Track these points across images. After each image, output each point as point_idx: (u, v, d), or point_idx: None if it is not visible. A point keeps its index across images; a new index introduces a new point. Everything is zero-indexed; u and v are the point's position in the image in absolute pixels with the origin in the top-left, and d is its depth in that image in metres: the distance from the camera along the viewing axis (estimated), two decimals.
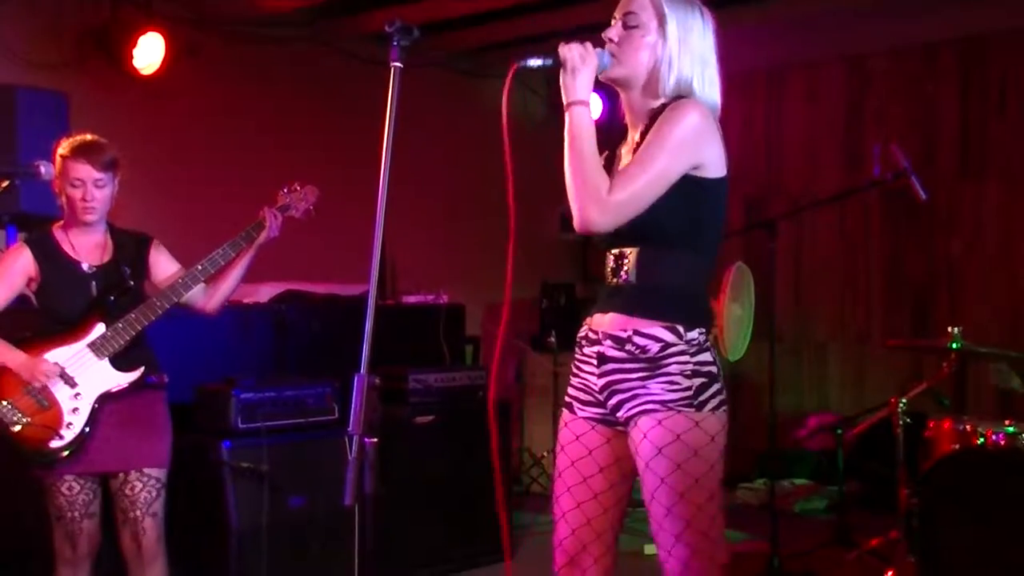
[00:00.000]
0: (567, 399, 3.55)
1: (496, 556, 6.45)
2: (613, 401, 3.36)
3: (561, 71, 3.26)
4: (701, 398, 3.27)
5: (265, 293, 6.80)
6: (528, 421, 8.79)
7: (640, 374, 3.29)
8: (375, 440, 2.90)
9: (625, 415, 3.33)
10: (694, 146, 3.26)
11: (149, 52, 6.79)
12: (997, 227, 8.59)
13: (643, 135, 3.32)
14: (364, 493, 2.90)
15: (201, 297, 4.62)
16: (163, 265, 4.64)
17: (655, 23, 3.32)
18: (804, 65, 9.45)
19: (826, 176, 8.88)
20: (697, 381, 3.27)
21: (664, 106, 3.32)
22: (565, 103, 3.27)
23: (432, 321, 7.30)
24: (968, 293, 8.67)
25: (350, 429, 2.90)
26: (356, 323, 3.00)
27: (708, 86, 3.40)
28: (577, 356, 3.52)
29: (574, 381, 3.51)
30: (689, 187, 3.26)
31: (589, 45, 3.23)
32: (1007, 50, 8.62)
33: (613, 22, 3.40)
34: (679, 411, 3.24)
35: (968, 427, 5.91)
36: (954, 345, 6.25)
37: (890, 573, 6.06)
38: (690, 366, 3.27)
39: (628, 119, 3.49)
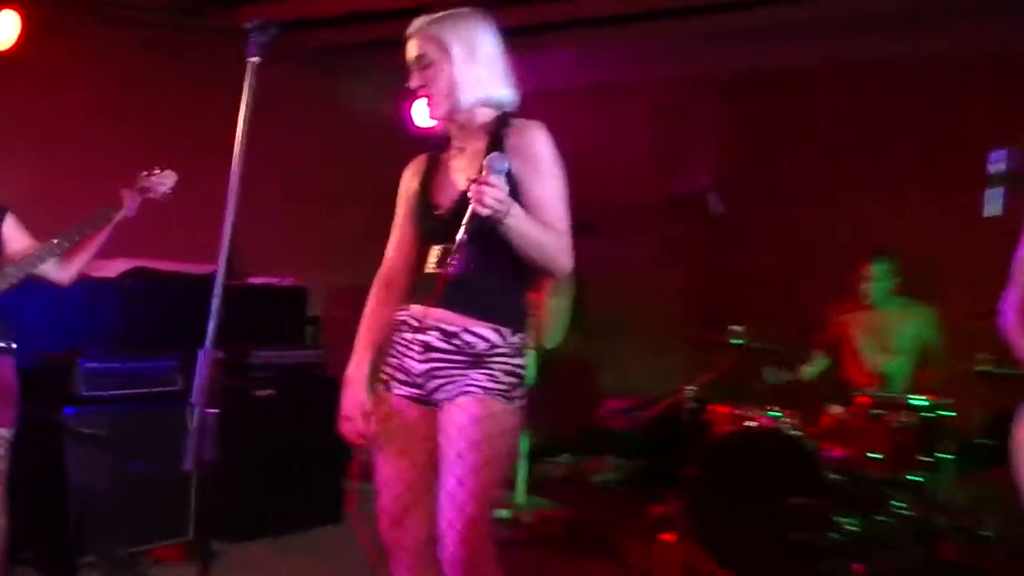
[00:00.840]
0: (384, 376, 3.51)
1: (328, 518, 6.46)
2: (432, 385, 3.37)
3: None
4: (512, 394, 3.33)
5: (114, 268, 6.60)
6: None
7: (463, 366, 3.31)
8: (216, 411, 2.85)
9: (443, 397, 3.34)
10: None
11: (3, 28, 6.36)
12: (771, 243, 8.69)
13: (487, 150, 3.30)
14: (204, 460, 2.83)
15: (54, 269, 4.43)
16: (15, 238, 4.42)
17: (441, 53, 3.34)
18: (619, 90, 9.44)
19: (638, 191, 8.88)
20: (512, 380, 3.34)
21: (499, 123, 3.40)
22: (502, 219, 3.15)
23: (275, 302, 7.23)
24: (748, 299, 8.75)
25: (192, 400, 2.85)
26: (203, 301, 2.93)
27: (500, 85, 3.44)
28: (397, 339, 3.48)
29: (392, 361, 3.50)
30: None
31: (495, 183, 3.09)
32: (798, 87, 8.67)
33: (411, 69, 3.41)
34: (495, 398, 3.28)
35: (740, 412, 6.12)
36: (737, 341, 6.44)
37: (671, 536, 6.18)
38: (509, 366, 3.33)
39: (452, 131, 3.49)
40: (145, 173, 4.40)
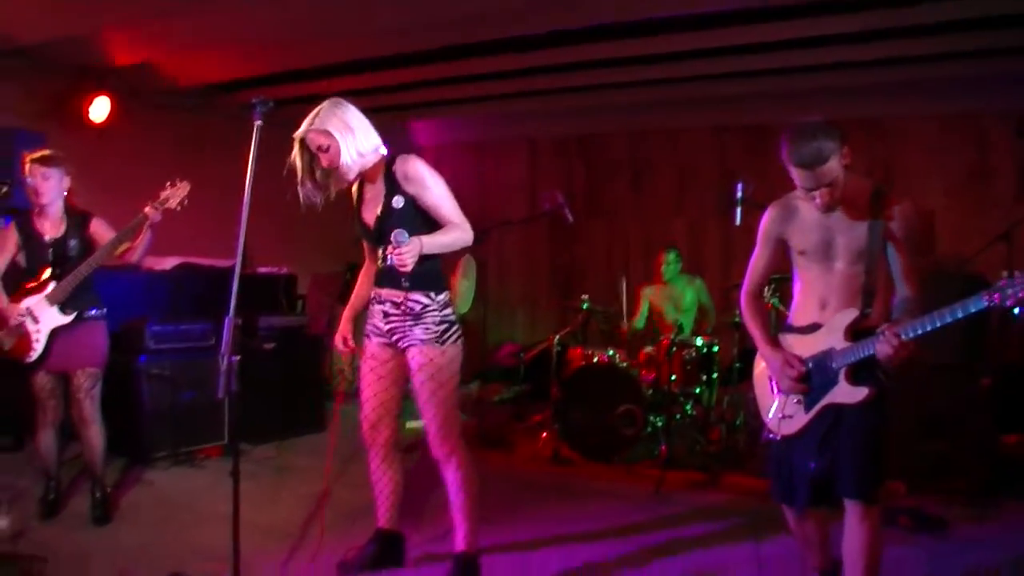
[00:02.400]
0: (366, 332, 3.59)
1: (313, 427, 6.45)
2: (394, 337, 3.45)
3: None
4: (444, 337, 3.39)
5: (169, 263, 6.66)
6: (335, 348, 8.47)
7: (409, 322, 3.39)
8: (237, 358, 2.86)
9: (402, 345, 3.43)
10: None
11: (99, 109, 6.48)
12: (603, 242, 8.83)
13: (389, 188, 3.37)
14: (230, 391, 2.83)
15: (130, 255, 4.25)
16: (102, 232, 4.30)
17: (332, 140, 3.28)
18: (500, 143, 9.48)
19: (515, 209, 8.91)
20: (443, 327, 3.40)
21: (387, 165, 3.40)
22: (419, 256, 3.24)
23: (275, 284, 7.12)
24: (589, 280, 8.86)
25: (221, 351, 2.84)
26: (227, 284, 2.92)
27: (369, 140, 3.36)
28: (371, 309, 3.56)
29: (369, 323, 3.57)
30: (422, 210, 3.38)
31: (404, 249, 3.19)
32: (613, 144, 8.84)
33: (318, 159, 3.36)
34: (431, 345, 3.37)
35: (589, 352, 6.10)
36: (584, 305, 6.40)
37: (544, 434, 6.13)
38: (439, 318, 3.39)
39: (364, 175, 3.47)
40: (167, 185, 4.24)
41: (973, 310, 2.48)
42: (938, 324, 2.56)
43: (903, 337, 2.62)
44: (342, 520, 4.35)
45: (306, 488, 4.96)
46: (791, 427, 2.99)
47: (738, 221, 5.06)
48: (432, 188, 3.35)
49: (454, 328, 3.43)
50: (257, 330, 6.20)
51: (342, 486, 5.01)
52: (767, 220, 3.07)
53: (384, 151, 3.42)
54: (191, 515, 4.43)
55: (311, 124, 3.28)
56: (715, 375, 6.07)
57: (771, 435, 3.07)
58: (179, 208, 4.22)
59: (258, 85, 6.89)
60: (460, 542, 3.47)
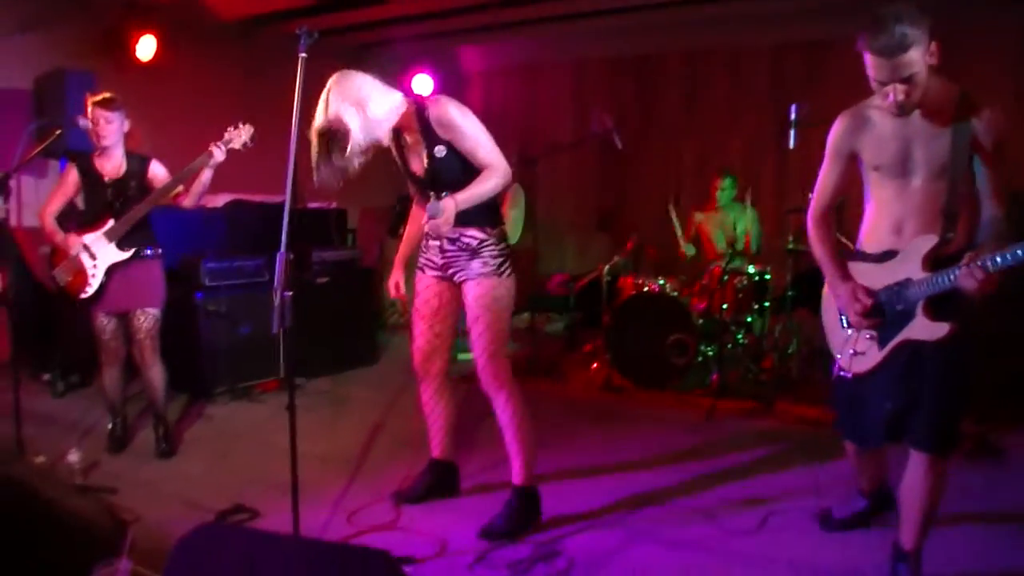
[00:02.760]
0: (420, 265, 3.58)
1: (367, 361, 6.54)
2: (451, 271, 3.42)
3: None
4: (500, 269, 3.36)
5: (221, 200, 6.71)
6: (386, 281, 8.49)
7: (466, 256, 3.36)
8: (290, 293, 2.86)
9: (458, 278, 3.41)
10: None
11: (146, 47, 6.45)
12: (657, 165, 8.67)
13: (427, 138, 3.28)
14: (284, 325, 2.84)
15: (183, 199, 4.31)
16: (158, 174, 4.36)
17: (344, 122, 3.09)
18: (549, 67, 9.29)
19: (565, 133, 8.80)
20: (499, 259, 3.37)
21: (419, 112, 3.27)
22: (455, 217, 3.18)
23: (326, 219, 7.15)
24: (641, 204, 8.74)
25: (275, 286, 2.84)
26: (279, 220, 2.92)
27: (385, 102, 3.20)
28: (426, 243, 3.54)
29: (423, 257, 3.55)
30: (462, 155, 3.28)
31: (439, 221, 3.15)
32: (663, 67, 8.59)
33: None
34: (489, 277, 3.34)
35: (640, 281, 6.03)
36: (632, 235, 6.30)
37: (596, 363, 6.15)
38: (495, 251, 3.36)
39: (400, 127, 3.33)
40: (231, 128, 4.28)
41: None
42: None
43: (987, 268, 2.35)
44: (397, 449, 4.43)
45: (361, 418, 5.05)
46: (863, 364, 2.77)
47: (792, 144, 4.93)
48: (466, 132, 3.24)
49: (508, 261, 3.41)
50: (310, 264, 6.23)
51: (396, 416, 5.10)
52: (836, 132, 2.78)
53: (405, 102, 3.28)
54: (251, 447, 4.55)
55: (325, 114, 3.12)
56: (767, 303, 5.99)
57: (842, 372, 2.85)
58: (243, 149, 4.24)
59: (303, 15, 6.81)
60: (516, 475, 3.46)
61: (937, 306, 2.57)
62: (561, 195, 9.21)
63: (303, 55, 2.90)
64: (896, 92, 2.45)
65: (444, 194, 3.22)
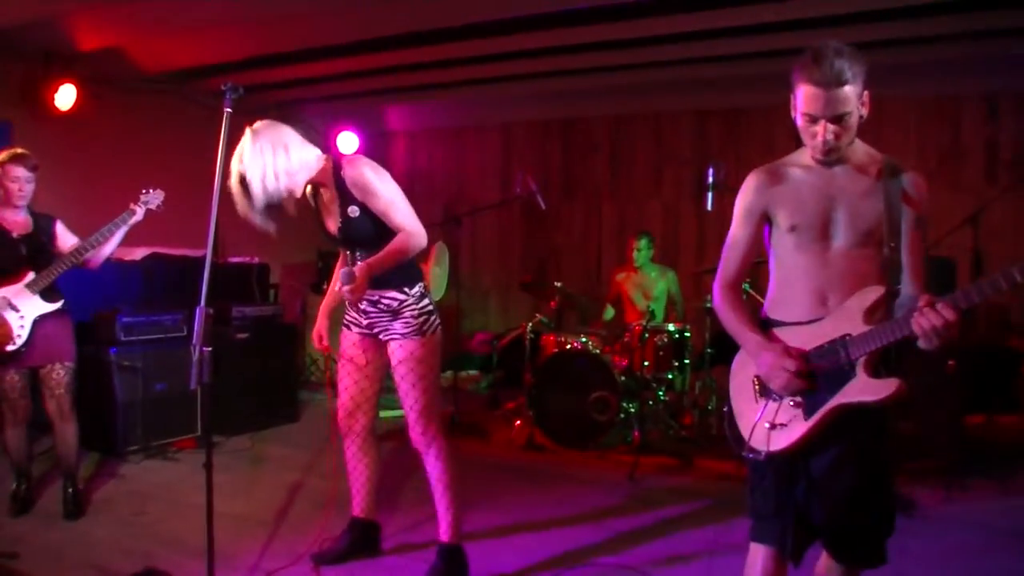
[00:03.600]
0: (345, 322, 3.56)
1: (288, 419, 6.44)
2: (376, 329, 3.43)
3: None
4: (424, 328, 3.36)
5: (139, 253, 6.54)
6: (308, 338, 8.40)
7: (388, 317, 3.37)
8: (209, 349, 2.79)
9: (383, 337, 3.41)
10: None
11: (66, 96, 6.25)
12: (580, 225, 8.81)
13: (342, 197, 3.28)
14: (203, 381, 2.77)
15: (92, 258, 4.25)
16: (64, 235, 4.32)
17: (256, 166, 3.10)
18: (476, 128, 9.41)
19: (490, 193, 8.89)
20: (421, 319, 3.36)
21: (335, 170, 3.28)
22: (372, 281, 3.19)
23: (248, 274, 7.05)
24: (564, 262, 8.87)
25: (193, 341, 2.78)
26: (198, 274, 2.90)
27: (294, 157, 3.20)
28: (348, 304, 3.51)
29: (348, 315, 3.55)
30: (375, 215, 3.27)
31: (350, 287, 3.13)
32: (586, 130, 8.79)
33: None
34: (410, 338, 3.34)
35: (561, 339, 6.04)
36: (558, 287, 6.39)
37: (518, 421, 6.11)
38: (416, 310, 3.36)
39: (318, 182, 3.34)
40: (145, 191, 4.28)
41: None
42: (1018, 279, 1.97)
43: (959, 305, 2.04)
44: (317, 509, 4.32)
45: (281, 478, 4.93)
46: (786, 439, 2.30)
47: (709, 206, 5.08)
48: (381, 194, 3.23)
49: (433, 318, 3.40)
50: (230, 320, 6.13)
51: (316, 475, 4.98)
52: (748, 189, 2.46)
53: (323, 158, 3.31)
54: (165, 508, 4.38)
55: (241, 160, 3.12)
56: (687, 361, 6.09)
57: (754, 453, 2.36)
58: (157, 210, 4.22)
59: (229, 71, 6.77)
60: (444, 533, 3.43)
61: (879, 364, 2.24)
62: (485, 254, 9.28)
63: (228, 110, 2.88)
64: (827, 131, 2.24)
65: (359, 254, 3.27)
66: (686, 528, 4.12)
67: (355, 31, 6.10)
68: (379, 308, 3.36)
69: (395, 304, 3.34)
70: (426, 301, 3.40)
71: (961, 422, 5.10)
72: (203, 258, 2.86)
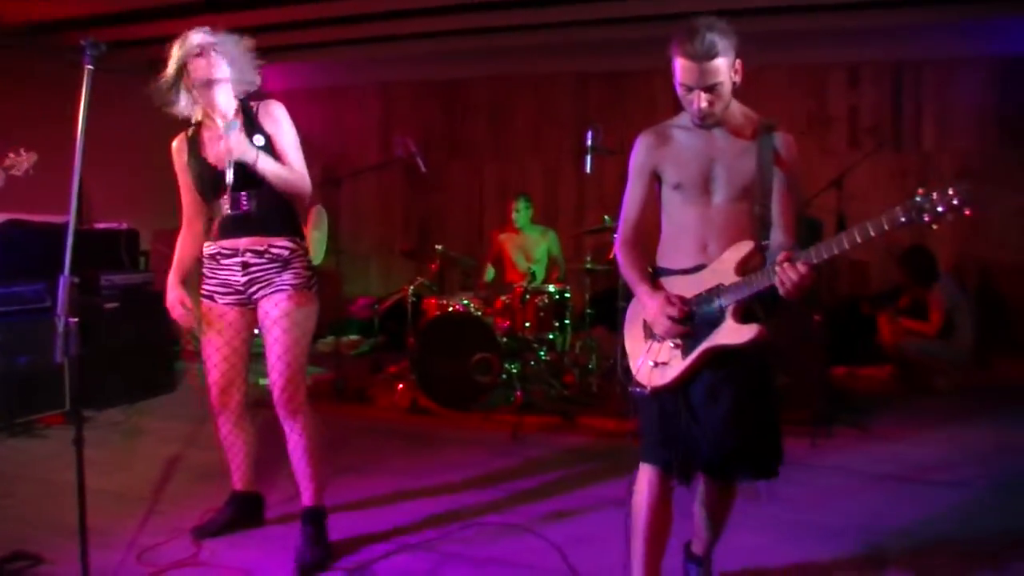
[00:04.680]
0: (206, 292, 3.39)
1: (164, 389, 6.22)
2: (253, 289, 3.28)
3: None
4: (311, 284, 3.32)
5: None
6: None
7: (276, 268, 3.26)
8: (76, 320, 2.62)
9: (261, 295, 3.27)
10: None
11: None
12: (461, 187, 8.81)
13: (247, 126, 3.22)
14: (69, 354, 2.61)
15: None
16: None
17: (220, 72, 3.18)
18: (355, 89, 9.25)
19: (370, 155, 8.78)
20: (309, 272, 3.34)
21: (242, 104, 3.29)
22: (252, 162, 3.13)
23: (117, 240, 6.68)
24: (446, 225, 8.86)
25: (58, 312, 2.61)
26: (61, 242, 2.69)
27: (249, 74, 3.29)
28: (214, 266, 3.35)
29: (211, 284, 3.37)
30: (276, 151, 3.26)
31: (232, 135, 3.10)
32: (467, 90, 8.73)
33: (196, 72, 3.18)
34: (300, 291, 3.27)
35: (444, 301, 6.06)
36: (438, 250, 6.40)
37: (401, 385, 6.08)
38: (305, 262, 3.33)
39: (208, 114, 3.26)
40: (10, 154, 3.97)
41: (888, 227, 2.15)
42: (858, 240, 2.22)
43: (812, 260, 2.29)
44: (196, 482, 4.21)
45: (158, 451, 4.76)
46: (665, 376, 2.55)
47: (588, 169, 5.11)
48: (288, 130, 3.28)
49: (315, 277, 3.37)
50: (98, 288, 5.85)
51: (194, 447, 4.84)
52: (638, 150, 2.68)
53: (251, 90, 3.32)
54: (34, 488, 4.16)
55: (209, 43, 3.14)
56: (568, 321, 6.18)
57: (639, 388, 2.60)
58: (25, 176, 3.92)
59: (90, 26, 6.40)
60: (308, 498, 3.39)
61: (745, 311, 2.48)
62: (366, 217, 9.18)
63: (89, 67, 2.70)
64: (700, 99, 2.45)
65: (244, 195, 3.20)
66: (571, 485, 4.19)
67: None
68: (266, 258, 3.24)
69: (286, 253, 3.26)
70: (310, 257, 3.40)
71: (826, 373, 5.37)
72: (66, 224, 2.70)
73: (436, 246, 6.40)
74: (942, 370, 6.18)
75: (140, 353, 5.98)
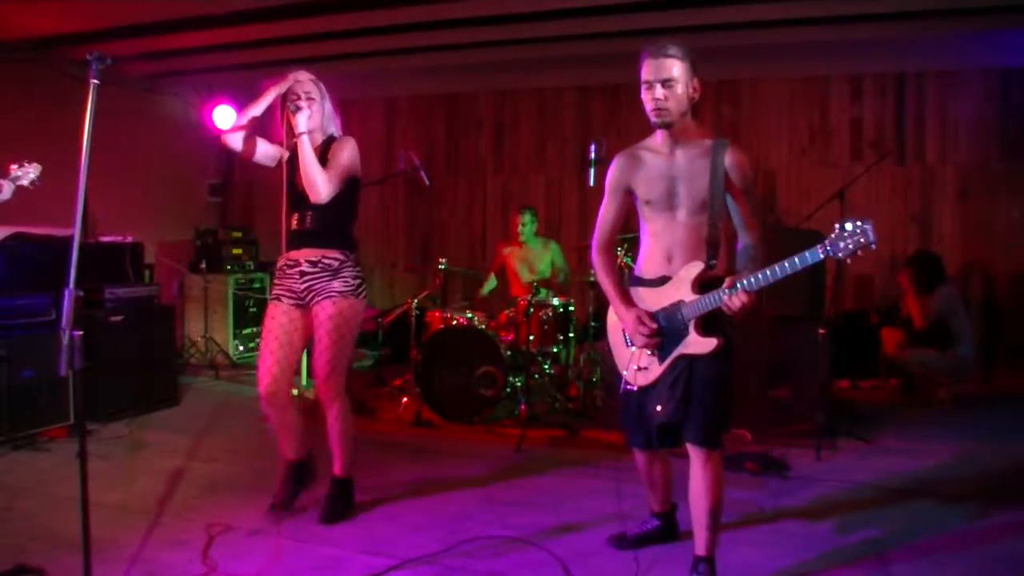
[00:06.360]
0: (274, 295, 3.83)
1: (168, 403, 6.22)
2: (310, 294, 3.73)
3: (294, 115, 3.71)
4: (358, 291, 3.78)
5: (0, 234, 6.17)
6: (187, 319, 8.15)
7: (327, 277, 3.71)
8: (80, 333, 2.64)
9: (315, 301, 3.71)
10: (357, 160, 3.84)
11: None
12: (464, 201, 8.81)
13: (326, 147, 3.80)
14: (73, 367, 2.63)
15: None
16: None
17: (320, 94, 3.82)
18: (358, 103, 9.26)
19: (373, 169, 8.76)
20: (357, 281, 3.79)
21: (331, 138, 3.85)
22: (296, 133, 3.67)
23: (122, 253, 6.71)
24: (448, 239, 8.87)
25: (63, 325, 2.64)
26: (66, 254, 2.73)
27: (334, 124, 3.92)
28: (281, 274, 3.81)
29: (279, 287, 3.81)
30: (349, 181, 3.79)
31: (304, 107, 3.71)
32: (472, 105, 8.75)
33: (300, 97, 3.74)
34: (346, 297, 3.71)
35: (447, 315, 6.06)
36: (441, 267, 6.39)
37: (405, 398, 6.09)
38: (354, 272, 3.78)
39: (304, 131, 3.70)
40: (15, 165, 3.99)
41: (810, 261, 2.60)
42: (779, 274, 2.65)
43: (745, 288, 2.71)
44: (200, 495, 4.20)
45: (162, 464, 4.75)
46: (647, 378, 3.07)
47: (591, 182, 5.11)
48: (343, 151, 3.74)
49: (363, 284, 3.81)
50: (103, 302, 5.85)
51: (198, 460, 4.83)
52: (613, 169, 3.13)
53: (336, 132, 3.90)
54: (37, 501, 4.15)
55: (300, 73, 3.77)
56: (571, 334, 6.17)
57: (629, 386, 3.13)
58: (31, 187, 3.94)
59: (96, 40, 6.41)
60: (338, 468, 3.87)
61: (706, 324, 2.91)
62: (369, 231, 9.17)
63: (95, 81, 2.71)
64: (655, 91, 2.87)
65: (309, 214, 3.73)
66: (575, 499, 4.18)
67: (232, 1, 5.89)
68: (319, 268, 3.69)
69: (336, 264, 3.71)
70: (359, 267, 3.80)
71: (830, 386, 5.36)
72: (71, 238, 2.71)
73: (439, 261, 6.42)
74: (944, 382, 6.17)
75: (144, 366, 5.98)
